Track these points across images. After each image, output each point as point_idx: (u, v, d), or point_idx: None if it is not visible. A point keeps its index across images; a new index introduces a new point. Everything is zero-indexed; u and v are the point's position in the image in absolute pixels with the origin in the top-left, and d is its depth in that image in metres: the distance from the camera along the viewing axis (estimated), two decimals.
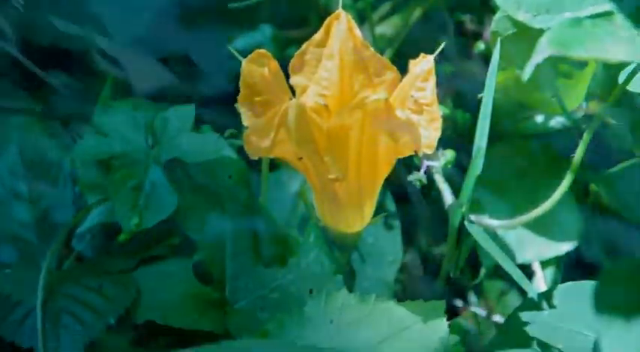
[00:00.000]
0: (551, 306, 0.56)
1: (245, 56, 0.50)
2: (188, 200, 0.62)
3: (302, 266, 0.59)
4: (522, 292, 0.73)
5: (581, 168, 0.58)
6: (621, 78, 0.55)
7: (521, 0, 0.53)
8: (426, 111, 0.50)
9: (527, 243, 0.71)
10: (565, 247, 0.71)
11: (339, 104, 0.51)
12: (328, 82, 0.52)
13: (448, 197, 0.65)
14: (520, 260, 0.71)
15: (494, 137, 0.60)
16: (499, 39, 0.59)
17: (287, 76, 0.52)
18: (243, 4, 0.72)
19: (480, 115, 0.59)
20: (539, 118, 0.73)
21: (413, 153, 0.51)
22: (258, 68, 0.50)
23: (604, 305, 0.53)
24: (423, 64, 0.50)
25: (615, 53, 0.44)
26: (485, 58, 0.77)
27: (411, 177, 0.66)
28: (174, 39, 0.82)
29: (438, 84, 0.50)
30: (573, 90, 0.66)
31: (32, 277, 0.59)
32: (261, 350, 0.49)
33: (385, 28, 0.83)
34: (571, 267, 0.76)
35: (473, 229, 0.59)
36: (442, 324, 0.50)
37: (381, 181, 0.54)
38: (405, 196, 0.78)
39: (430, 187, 0.67)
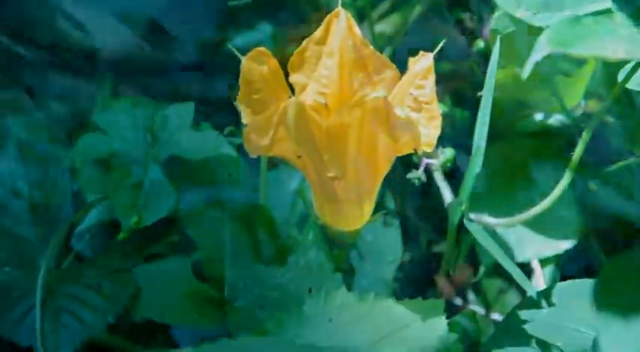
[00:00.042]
0: (550, 304, 0.56)
1: (244, 54, 0.50)
2: (187, 198, 0.62)
3: (301, 265, 0.59)
4: (521, 290, 0.73)
5: (581, 166, 0.58)
6: (620, 76, 0.55)
7: None
8: (425, 109, 0.50)
9: (526, 242, 0.71)
10: (564, 245, 0.71)
11: (339, 102, 0.51)
12: (328, 80, 0.51)
13: (447, 195, 0.65)
14: (519, 258, 0.71)
15: (493, 135, 0.60)
16: (498, 37, 0.59)
17: (286, 74, 0.52)
18: (242, 2, 0.72)
19: (479, 113, 0.59)
20: (539, 116, 0.73)
21: (412, 151, 0.51)
22: (257, 66, 0.50)
23: (603, 303, 0.53)
24: (423, 62, 0.50)
25: (615, 51, 0.44)
26: (485, 56, 0.77)
27: (410, 175, 0.66)
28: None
29: (438, 82, 0.50)
30: (572, 88, 0.67)
31: (31, 276, 0.59)
32: (260, 348, 0.49)
33: (384, 26, 0.83)
34: (570, 266, 0.76)
35: (472, 227, 0.59)
36: (441, 322, 0.50)
37: (380, 179, 0.54)
38: (404, 194, 0.78)
39: (429, 185, 0.67)
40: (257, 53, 0.50)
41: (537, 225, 0.70)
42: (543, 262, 0.72)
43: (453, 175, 0.70)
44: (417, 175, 0.65)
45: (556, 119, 0.72)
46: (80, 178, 0.65)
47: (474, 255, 0.73)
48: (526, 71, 0.45)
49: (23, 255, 0.63)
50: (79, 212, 0.65)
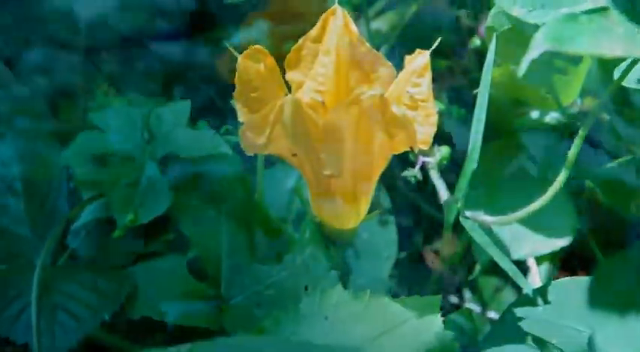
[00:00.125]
0: (546, 302, 0.56)
1: (241, 52, 0.50)
2: (183, 196, 0.62)
3: (297, 263, 0.59)
4: (517, 288, 0.74)
5: (576, 164, 0.58)
6: (616, 74, 0.55)
7: None
8: (421, 106, 0.50)
9: (522, 239, 0.71)
10: (560, 243, 0.71)
11: (335, 100, 0.51)
12: (324, 78, 0.51)
13: (443, 193, 0.65)
14: (515, 256, 0.71)
15: (489, 133, 0.60)
16: (494, 34, 0.59)
17: (283, 72, 0.52)
18: (239, 0, 0.72)
19: (476, 111, 0.59)
20: (535, 114, 0.73)
21: (408, 149, 0.51)
22: (254, 64, 0.50)
23: (598, 300, 0.53)
24: (419, 60, 0.50)
25: (611, 49, 0.44)
26: (481, 53, 0.78)
27: (406, 173, 0.66)
28: None
29: (434, 80, 0.50)
30: (568, 86, 0.67)
31: (27, 273, 0.59)
32: (256, 346, 0.49)
33: (381, 24, 0.83)
34: (566, 263, 0.76)
35: (468, 225, 0.59)
36: (437, 320, 0.50)
37: (376, 177, 0.54)
38: (401, 192, 0.78)
39: (425, 183, 0.67)
40: (253, 51, 0.50)
41: (533, 222, 0.70)
42: (539, 260, 0.73)
43: (449, 173, 0.70)
44: (413, 173, 0.65)
45: (552, 117, 0.72)
46: (76, 175, 0.64)
47: (470, 253, 0.73)
48: (522, 69, 0.45)
49: (19, 253, 0.63)
50: (74, 209, 0.65)
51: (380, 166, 0.53)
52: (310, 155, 0.50)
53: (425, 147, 0.50)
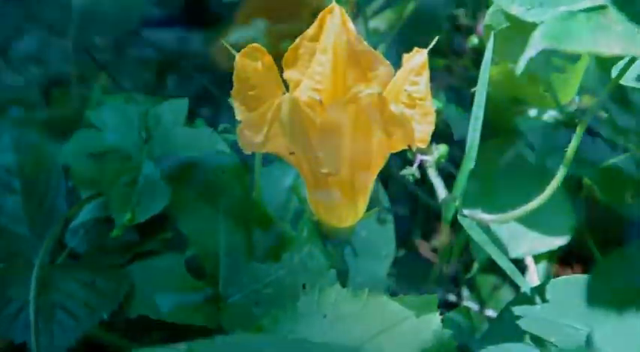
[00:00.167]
0: (544, 300, 0.56)
1: (239, 50, 0.50)
2: (181, 195, 0.62)
3: (295, 261, 0.59)
4: (515, 286, 0.74)
5: (574, 162, 0.58)
6: (614, 72, 0.55)
7: None
8: (419, 105, 0.50)
9: (520, 238, 0.71)
10: (558, 241, 0.71)
11: (333, 98, 0.51)
12: (322, 77, 0.51)
13: (441, 191, 0.65)
14: (513, 254, 0.71)
15: (487, 131, 0.60)
16: (492, 33, 0.59)
17: (281, 71, 0.52)
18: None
19: (473, 109, 0.59)
20: (532, 112, 0.73)
21: (406, 148, 0.51)
22: (251, 62, 0.50)
23: (596, 299, 0.53)
24: (417, 58, 0.50)
25: (609, 47, 0.44)
26: (479, 52, 0.77)
27: (404, 172, 0.66)
28: None
29: (432, 78, 0.50)
30: (566, 84, 0.67)
31: (25, 272, 0.59)
32: (254, 344, 0.49)
33: (379, 23, 0.83)
34: (564, 262, 0.76)
35: (466, 223, 0.59)
36: (435, 319, 0.50)
37: (374, 176, 0.53)
38: (398, 190, 0.78)
39: (423, 181, 0.67)
40: (251, 49, 0.50)
41: (531, 221, 0.70)
42: (537, 258, 0.73)
43: (447, 171, 0.70)
44: (411, 171, 0.65)
45: (550, 115, 0.72)
46: (74, 174, 0.64)
47: (468, 252, 0.73)
48: (520, 67, 0.45)
49: (17, 252, 0.63)
50: (73, 208, 0.65)
51: (378, 164, 0.53)
52: (308, 153, 0.50)
53: (423, 146, 0.50)
